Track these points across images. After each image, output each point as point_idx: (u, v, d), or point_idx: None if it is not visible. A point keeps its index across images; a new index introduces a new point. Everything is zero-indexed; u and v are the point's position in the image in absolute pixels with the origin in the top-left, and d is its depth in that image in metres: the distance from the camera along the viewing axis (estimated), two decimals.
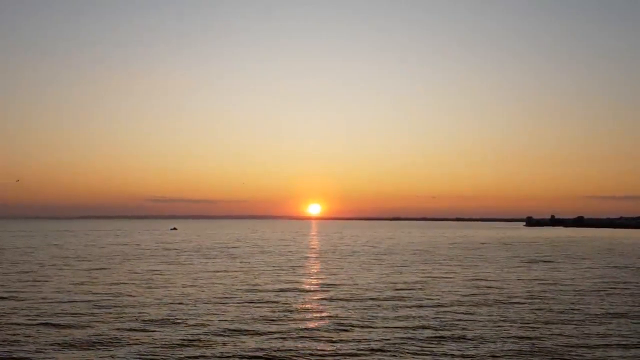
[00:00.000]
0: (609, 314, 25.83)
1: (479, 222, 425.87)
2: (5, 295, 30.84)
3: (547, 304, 28.55)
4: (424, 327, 22.50)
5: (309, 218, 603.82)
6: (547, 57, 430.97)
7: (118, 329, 22.01)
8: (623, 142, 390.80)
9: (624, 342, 20.20)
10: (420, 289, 33.87)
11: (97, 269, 45.25)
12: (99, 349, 19.09)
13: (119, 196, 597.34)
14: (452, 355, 18.36)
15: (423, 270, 45.81)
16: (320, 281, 37.76)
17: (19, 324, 22.88)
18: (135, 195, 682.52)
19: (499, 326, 22.77)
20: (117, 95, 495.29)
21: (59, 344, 19.70)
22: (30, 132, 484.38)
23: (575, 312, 26.29)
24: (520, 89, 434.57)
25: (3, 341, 19.85)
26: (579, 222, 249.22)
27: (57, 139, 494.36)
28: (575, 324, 23.40)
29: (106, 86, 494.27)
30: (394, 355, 18.35)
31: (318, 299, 29.77)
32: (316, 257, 59.94)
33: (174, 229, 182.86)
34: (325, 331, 21.73)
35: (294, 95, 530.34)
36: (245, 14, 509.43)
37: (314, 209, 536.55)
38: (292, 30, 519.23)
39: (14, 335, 20.97)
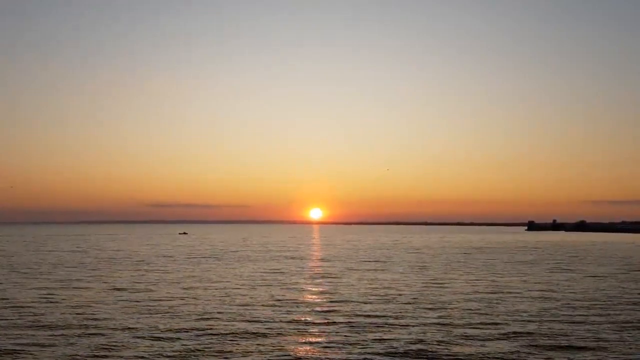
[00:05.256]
0: None
1: (481, 227, 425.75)
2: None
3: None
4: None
5: (311, 223, 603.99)
6: (549, 62, 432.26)
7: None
8: (624, 147, 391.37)
9: None
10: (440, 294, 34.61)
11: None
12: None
13: (120, 201, 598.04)
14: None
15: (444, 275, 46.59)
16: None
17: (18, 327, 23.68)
18: (135, 200, 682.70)
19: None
20: (118, 100, 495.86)
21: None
22: (31, 136, 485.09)
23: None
24: (522, 93, 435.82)
25: None
26: (581, 226, 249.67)
27: (58, 144, 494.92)
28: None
29: (107, 91, 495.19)
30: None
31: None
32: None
33: (184, 233, 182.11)
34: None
35: (296, 101, 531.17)
36: (245, 20, 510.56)
37: (315, 214, 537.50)
38: (293, 36, 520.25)
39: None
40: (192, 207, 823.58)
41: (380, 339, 21.03)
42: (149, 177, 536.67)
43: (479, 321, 24.67)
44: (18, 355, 18.88)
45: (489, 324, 24.17)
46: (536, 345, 20.23)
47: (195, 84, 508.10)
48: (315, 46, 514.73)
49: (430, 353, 19.09)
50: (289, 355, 18.90)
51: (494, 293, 34.02)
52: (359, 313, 26.62)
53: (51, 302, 29.71)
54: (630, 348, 19.95)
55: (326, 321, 24.59)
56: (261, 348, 19.75)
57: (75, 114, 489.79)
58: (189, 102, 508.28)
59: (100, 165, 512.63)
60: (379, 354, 19.05)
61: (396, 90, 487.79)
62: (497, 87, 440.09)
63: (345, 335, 21.71)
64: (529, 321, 24.72)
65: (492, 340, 21.08)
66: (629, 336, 21.79)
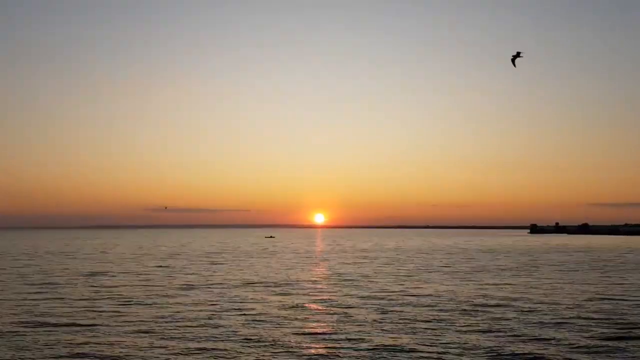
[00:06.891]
0: None
1: (482, 230, 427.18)
2: None
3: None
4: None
5: (314, 227, 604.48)
6: (549, 64, 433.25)
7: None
8: (628, 149, 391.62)
9: None
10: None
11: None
12: None
13: (118, 205, 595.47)
14: None
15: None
16: None
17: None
18: (134, 204, 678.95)
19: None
20: (118, 103, 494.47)
21: None
22: (30, 141, 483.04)
23: None
24: (523, 96, 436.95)
25: None
26: (584, 229, 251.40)
27: (57, 148, 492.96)
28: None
29: (107, 94, 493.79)
30: None
31: None
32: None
33: (272, 237, 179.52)
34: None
35: (298, 104, 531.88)
36: (245, 20, 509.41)
37: (318, 218, 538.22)
38: (295, 38, 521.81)
39: None
40: (192, 212, 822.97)
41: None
42: (148, 182, 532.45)
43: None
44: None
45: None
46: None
47: (197, 88, 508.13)
48: (315, 46, 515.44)
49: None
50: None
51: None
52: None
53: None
54: None
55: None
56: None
57: (76, 119, 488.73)
58: (190, 107, 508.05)
59: (103, 169, 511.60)
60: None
61: (398, 98, 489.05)
62: (497, 87, 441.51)
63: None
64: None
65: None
66: None
